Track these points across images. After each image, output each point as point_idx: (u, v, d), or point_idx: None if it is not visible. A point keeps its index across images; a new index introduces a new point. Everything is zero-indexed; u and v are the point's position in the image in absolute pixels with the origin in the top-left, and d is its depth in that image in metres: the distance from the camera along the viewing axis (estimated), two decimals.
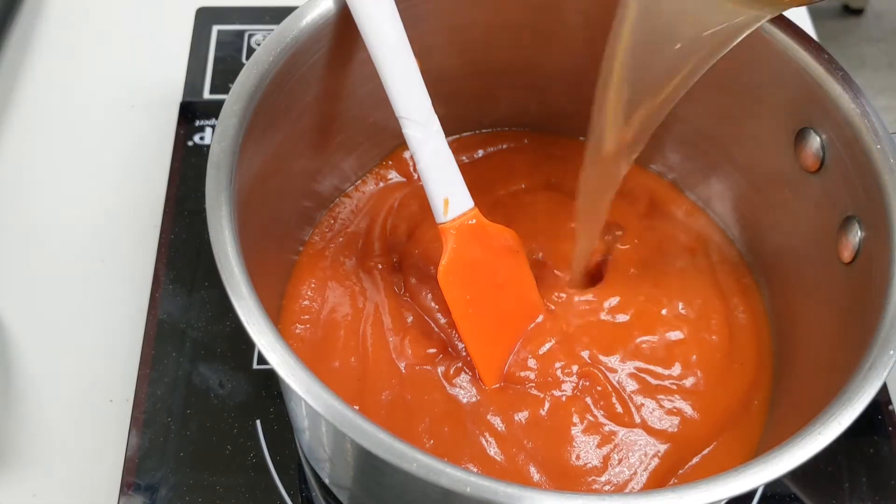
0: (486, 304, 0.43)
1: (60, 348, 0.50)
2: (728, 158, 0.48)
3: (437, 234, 0.42)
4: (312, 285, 0.46)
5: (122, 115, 0.60)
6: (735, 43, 0.38)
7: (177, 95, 0.59)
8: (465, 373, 0.43)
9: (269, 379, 0.48)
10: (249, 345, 0.45)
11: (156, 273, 0.51)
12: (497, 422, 0.41)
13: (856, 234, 0.39)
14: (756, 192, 0.48)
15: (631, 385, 0.43)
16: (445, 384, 0.43)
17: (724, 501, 0.32)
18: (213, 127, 0.57)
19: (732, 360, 0.45)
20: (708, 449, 0.42)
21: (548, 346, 0.44)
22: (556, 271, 0.47)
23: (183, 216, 0.53)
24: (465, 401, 0.42)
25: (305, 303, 0.45)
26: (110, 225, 0.55)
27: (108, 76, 0.62)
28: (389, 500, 0.38)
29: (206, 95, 0.59)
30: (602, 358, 0.44)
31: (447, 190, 0.42)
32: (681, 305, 0.46)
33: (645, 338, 0.45)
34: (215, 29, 0.62)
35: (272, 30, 0.39)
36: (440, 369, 0.43)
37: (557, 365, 0.43)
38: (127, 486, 0.44)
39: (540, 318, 0.45)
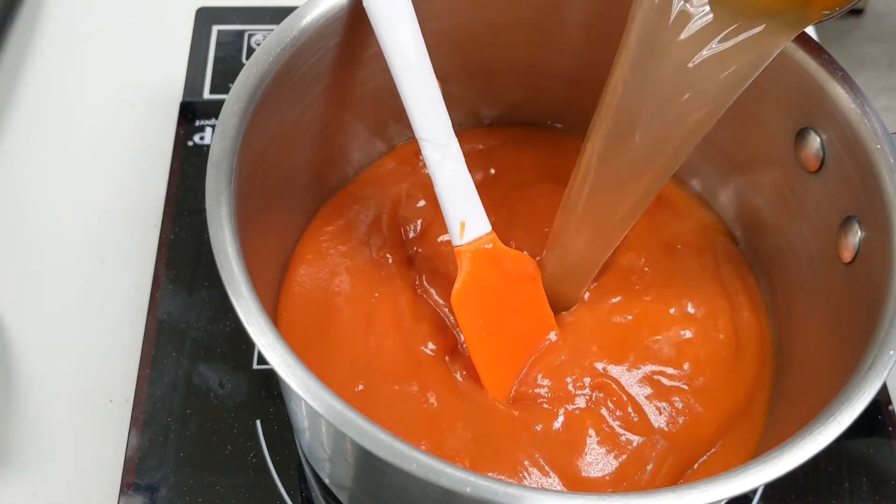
0: (498, 327, 0.43)
1: (60, 348, 0.50)
2: (728, 158, 0.48)
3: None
4: (315, 275, 0.46)
5: (122, 115, 0.60)
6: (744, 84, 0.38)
7: (177, 95, 0.59)
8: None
9: (269, 379, 0.48)
10: (249, 345, 0.45)
11: (156, 273, 0.51)
12: (512, 432, 0.41)
13: (856, 234, 0.39)
14: (756, 192, 0.48)
15: (644, 390, 0.43)
16: (457, 379, 0.43)
17: (724, 501, 0.32)
18: (213, 127, 0.57)
19: (739, 359, 0.45)
20: (714, 448, 0.42)
21: (558, 360, 0.43)
22: None
23: (183, 216, 0.53)
24: (475, 406, 0.42)
25: (303, 290, 0.45)
26: (110, 225, 0.55)
27: (107, 76, 0.62)
28: (389, 500, 0.38)
29: (206, 95, 0.59)
30: (614, 366, 0.44)
31: (464, 213, 0.42)
32: (688, 305, 0.46)
33: (654, 339, 0.45)
34: (215, 29, 0.62)
35: (272, 30, 0.39)
36: (453, 369, 0.43)
37: (569, 379, 0.43)
38: (127, 486, 0.44)
39: (553, 337, 0.44)
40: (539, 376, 0.43)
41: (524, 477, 0.40)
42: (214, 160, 0.35)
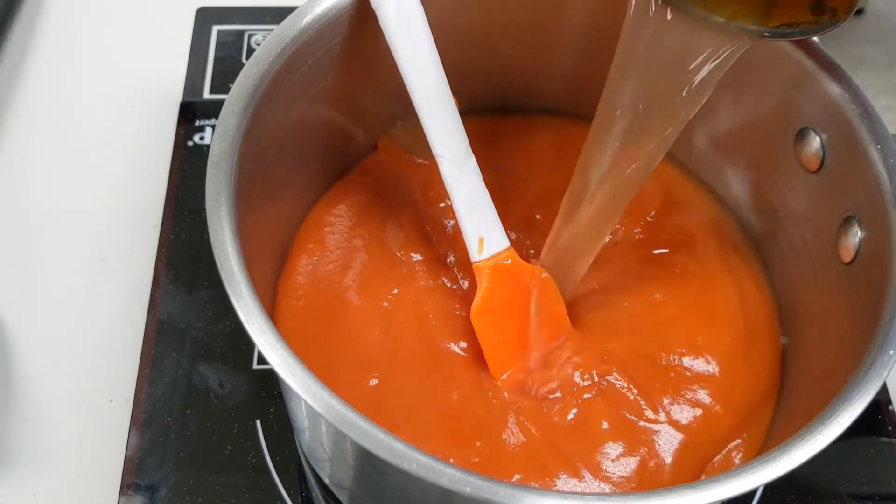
0: (516, 338, 0.43)
1: (60, 348, 0.50)
2: (728, 158, 0.48)
3: None
4: (318, 266, 0.46)
5: (122, 115, 0.60)
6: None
7: (177, 95, 0.59)
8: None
9: (269, 379, 0.48)
10: (249, 345, 0.45)
11: (156, 273, 0.51)
12: (525, 426, 0.41)
13: (856, 234, 0.39)
14: (756, 192, 0.48)
15: (654, 382, 0.43)
16: (481, 377, 0.43)
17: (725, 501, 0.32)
18: (213, 127, 0.57)
19: (750, 351, 0.45)
20: (734, 442, 0.42)
21: (572, 356, 0.43)
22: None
23: (183, 216, 0.53)
24: (488, 398, 0.42)
25: (305, 280, 0.45)
26: (110, 225, 0.55)
27: (107, 76, 0.62)
28: (390, 500, 0.38)
29: (206, 95, 0.59)
30: (625, 359, 0.43)
31: (482, 229, 0.42)
32: (698, 297, 0.46)
33: (666, 332, 0.45)
34: (215, 29, 0.62)
35: (272, 30, 0.39)
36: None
37: (582, 373, 0.43)
38: (127, 486, 0.44)
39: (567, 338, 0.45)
40: (552, 369, 0.43)
41: (546, 473, 0.40)
42: (214, 160, 0.35)
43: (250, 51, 0.61)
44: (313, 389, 0.30)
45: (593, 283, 0.46)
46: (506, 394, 0.42)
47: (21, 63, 0.62)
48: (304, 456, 0.45)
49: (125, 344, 0.50)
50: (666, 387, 0.43)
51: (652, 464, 0.41)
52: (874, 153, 0.38)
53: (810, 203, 0.43)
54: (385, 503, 0.38)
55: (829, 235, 0.41)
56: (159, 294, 0.50)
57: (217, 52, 0.61)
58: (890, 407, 0.48)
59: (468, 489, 0.29)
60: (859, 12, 1.31)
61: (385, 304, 0.44)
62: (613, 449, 0.41)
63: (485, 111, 0.51)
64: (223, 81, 0.60)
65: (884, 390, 0.49)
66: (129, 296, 0.51)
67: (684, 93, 0.39)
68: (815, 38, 0.41)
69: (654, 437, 0.41)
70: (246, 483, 0.45)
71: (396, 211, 0.48)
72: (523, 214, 0.48)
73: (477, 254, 0.42)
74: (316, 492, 0.45)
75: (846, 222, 0.40)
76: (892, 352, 0.34)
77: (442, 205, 0.48)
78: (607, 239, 0.46)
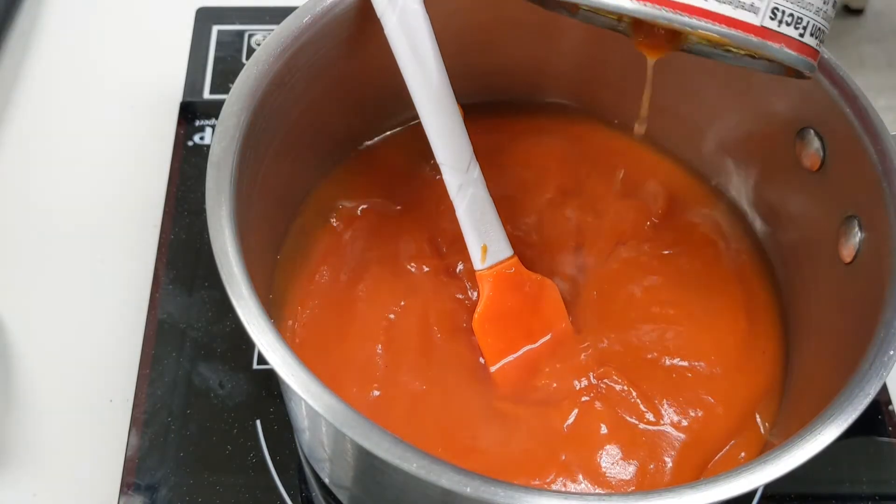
0: (517, 344, 0.43)
1: (60, 348, 0.50)
2: (729, 159, 0.48)
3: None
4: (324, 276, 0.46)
5: (122, 115, 0.60)
6: None
7: (177, 95, 0.59)
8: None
9: (269, 379, 0.48)
10: (249, 345, 0.45)
11: (156, 273, 0.51)
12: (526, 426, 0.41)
13: (856, 234, 0.39)
14: (757, 193, 0.48)
15: (654, 384, 0.43)
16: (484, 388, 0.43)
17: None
18: (213, 127, 0.57)
19: (751, 351, 0.44)
20: (733, 441, 0.42)
21: (566, 357, 0.43)
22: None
23: (183, 216, 0.53)
24: (489, 409, 0.42)
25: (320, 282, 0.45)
26: (110, 225, 0.55)
27: (108, 76, 0.62)
28: (390, 501, 0.38)
29: (206, 95, 0.59)
30: (627, 360, 0.43)
31: (485, 237, 0.42)
32: (698, 296, 0.46)
33: (667, 331, 0.45)
34: (215, 29, 0.62)
35: (272, 30, 0.39)
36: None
37: (582, 376, 0.43)
38: (127, 486, 0.44)
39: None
40: (551, 374, 0.43)
41: (551, 479, 0.40)
42: (214, 160, 0.35)
43: (250, 51, 0.61)
44: (313, 389, 0.30)
45: (595, 284, 0.46)
46: (507, 402, 0.42)
47: (21, 63, 0.62)
48: (304, 456, 0.45)
49: (125, 344, 0.50)
50: (667, 388, 0.43)
51: (652, 467, 0.41)
52: (874, 153, 0.38)
53: (810, 203, 0.43)
54: (385, 503, 0.38)
55: (830, 235, 0.41)
56: (159, 294, 0.50)
57: (217, 52, 0.61)
58: (890, 407, 0.48)
59: (468, 489, 0.29)
60: (859, 12, 1.30)
61: (391, 315, 0.44)
62: (613, 453, 0.41)
63: (487, 110, 0.51)
64: (223, 81, 0.60)
65: (884, 390, 0.49)
66: (129, 296, 0.51)
67: None
68: None
69: (654, 439, 0.41)
70: (246, 483, 0.45)
71: (403, 215, 0.48)
72: (529, 222, 0.48)
73: (480, 262, 0.42)
74: (316, 492, 0.45)
75: (846, 222, 0.40)
76: (892, 352, 0.34)
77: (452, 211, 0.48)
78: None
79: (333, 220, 0.47)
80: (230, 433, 0.46)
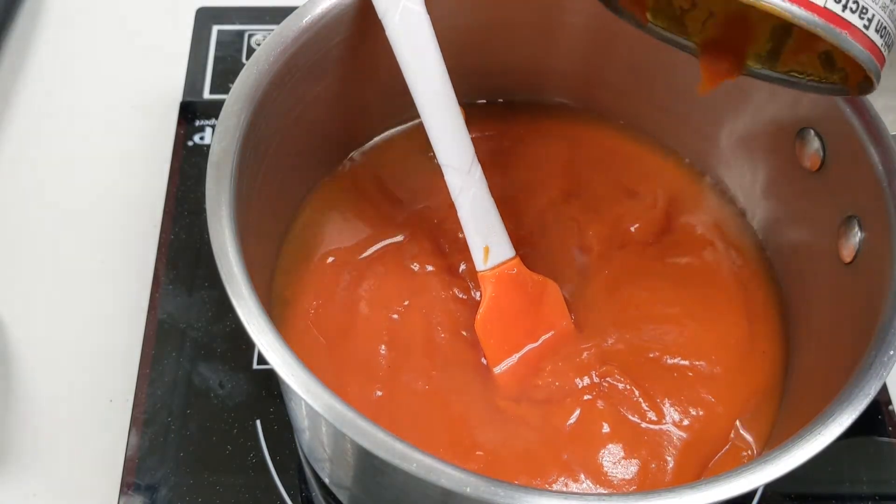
0: (520, 344, 0.43)
1: (60, 348, 0.50)
2: (730, 159, 0.48)
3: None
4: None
5: (122, 115, 0.60)
6: None
7: (177, 95, 0.59)
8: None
9: (269, 379, 0.48)
10: (249, 345, 0.45)
11: (156, 273, 0.51)
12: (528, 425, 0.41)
13: (856, 234, 0.39)
14: (756, 193, 0.48)
15: (656, 383, 0.43)
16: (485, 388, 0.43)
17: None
18: (213, 127, 0.57)
19: (752, 351, 0.44)
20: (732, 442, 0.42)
21: (572, 357, 0.43)
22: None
23: (183, 216, 0.53)
24: (492, 409, 0.42)
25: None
26: (110, 225, 0.55)
27: (107, 76, 0.62)
28: (390, 501, 0.38)
29: (206, 95, 0.59)
30: (627, 359, 0.43)
31: (487, 238, 0.42)
32: (699, 296, 0.46)
33: (667, 331, 0.45)
34: (215, 29, 0.62)
35: (272, 30, 0.39)
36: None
37: (584, 375, 0.43)
38: (127, 486, 0.44)
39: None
40: (554, 372, 0.43)
41: (553, 479, 0.40)
42: (214, 160, 0.35)
43: (250, 51, 0.61)
44: (313, 389, 0.30)
45: (596, 284, 0.46)
46: (509, 401, 0.42)
47: (21, 63, 0.62)
48: (304, 456, 0.45)
49: (125, 344, 0.50)
50: (668, 388, 0.43)
51: (653, 466, 0.41)
52: (874, 153, 0.38)
53: (810, 203, 0.43)
54: (385, 503, 0.38)
55: (830, 235, 0.41)
56: (159, 294, 0.50)
57: (217, 52, 0.61)
58: (890, 407, 0.48)
59: (468, 489, 0.29)
60: None
61: (394, 315, 0.44)
62: (615, 452, 0.41)
63: (489, 112, 0.51)
64: (223, 81, 0.60)
65: (884, 390, 0.49)
66: (129, 296, 0.51)
67: None
68: None
69: (656, 438, 0.41)
70: (246, 483, 0.45)
71: (404, 214, 0.48)
72: (531, 223, 0.48)
73: (482, 263, 0.42)
74: (316, 492, 0.45)
75: (846, 222, 0.40)
76: (892, 352, 0.34)
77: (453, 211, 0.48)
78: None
79: (334, 220, 0.47)
80: (230, 433, 0.46)
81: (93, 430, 0.47)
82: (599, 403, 0.42)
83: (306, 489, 0.45)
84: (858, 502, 0.45)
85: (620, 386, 0.42)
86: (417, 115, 0.40)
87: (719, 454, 0.42)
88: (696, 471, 0.41)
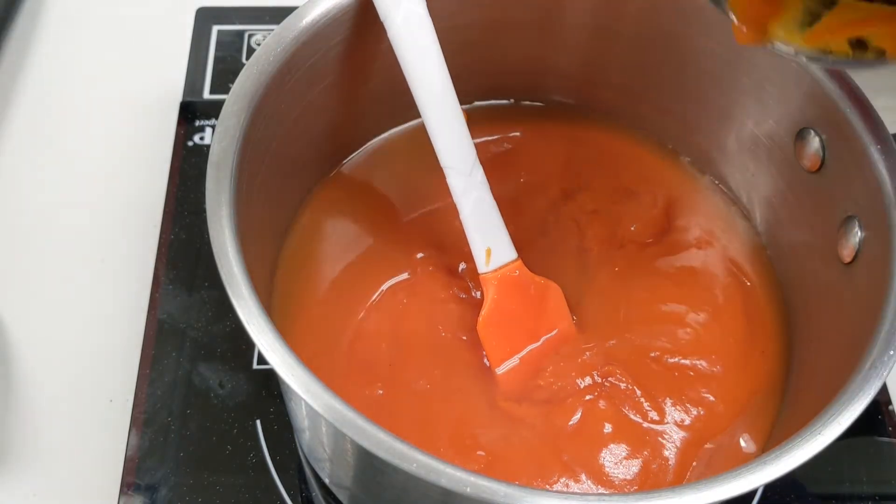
0: (521, 346, 0.43)
1: (60, 348, 0.50)
2: (729, 159, 0.48)
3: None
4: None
5: (123, 115, 0.60)
6: None
7: (177, 95, 0.59)
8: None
9: (269, 379, 0.48)
10: (249, 345, 0.45)
11: (156, 273, 0.51)
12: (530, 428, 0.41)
13: (856, 234, 0.39)
14: (756, 192, 0.48)
15: (657, 382, 0.43)
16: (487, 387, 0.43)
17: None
18: (213, 127, 0.57)
19: (753, 351, 0.44)
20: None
21: (569, 357, 0.43)
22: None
23: (183, 216, 0.53)
24: (493, 409, 0.42)
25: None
26: (110, 225, 0.55)
27: (108, 76, 0.62)
28: (390, 501, 0.38)
29: (206, 95, 0.59)
30: (627, 358, 0.43)
31: (489, 240, 0.42)
32: (699, 296, 0.46)
33: (667, 329, 0.45)
34: (215, 29, 0.62)
35: (272, 30, 0.39)
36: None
37: (581, 373, 0.43)
38: (127, 486, 0.44)
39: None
40: (555, 373, 0.43)
41: (555, 479, 0.40)
42: (214, 160, 0.35)
43: (250, 51, 0.61)
44: (313, 389, 0.30)
45: (596, 284, 0.46)
46: (510, 402, 0.42)
47: (21, 63, 0.62)
48: (304, 456, 0.45)
49: (125, 344, 0.50)
50: (669, 387, 0.43)
51: (655, 466, 0.41)
52: (874, 153, 0.38)
53: (810, 203, 0.43)
54: (385, 503, 0.38)
55: (830, 235, 0.41)
56: (159, 294, 0.50)
57: (217, 52, 0.61)
58: (890, 407, 0.48)
59: (468, 489, 0.29)
60: None
61: (395, 315, 0.44)
62: (616, 452, 0.41)
63: (489, 114, 0.51)
64: (223, 81, 0.60)
65: (884, 390, 0.49)
66: (129, 296, 0.51)
67: None
68: None
69: (658, 438, 0.41)
70: (246, 483, 0.45)
71: (405, 214, 0.48)
72: (532, 224, 0.48)
73: (484, 265, 0.42)
74: (316, 492, 0.45)
75: (846, 222, 0.40)
76: (892, 352, 0.34)
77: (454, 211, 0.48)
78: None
79: (334, 220, 0.47)
80: (230, 433, 0.46)
81: (93, 430, 0.47)
82: (601, 403, 0.42)
83: (306, 489, 0.45)
84: (858, 502, 0.45)
85: (622, 386, 0.42)
86: (418, 116, 0.40)
87: (720, 455, 0.42)
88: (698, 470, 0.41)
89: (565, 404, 0.42)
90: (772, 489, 0.46)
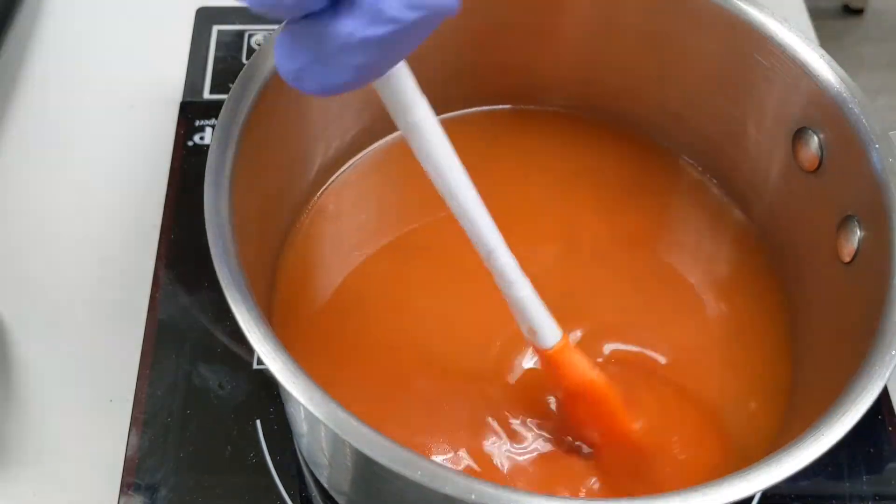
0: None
1: (60, 348, 0.50)
2: (728, 158, 0.48)
3: None
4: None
5: (122, 115, 0.60)
6: None
7: (177, 95, 0.59)
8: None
9: (269, 379, 0.47)
10: (250, 346, 0.45)
11: (156, 273, 0.51)
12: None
13: (855, 234, 0.39)
14: (756, 192, 0.48)
15: (656, 384, 0.43)
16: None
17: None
18: (213, 127, 0.57)
19: (753, 351, 0.45)
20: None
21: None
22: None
23: (183, 216, 0.53)
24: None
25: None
26: (110, 225, 0.55)
27: (107, 76, 0.62)
28: None
29: (206, 95, 0.59)
30: (623, 358, 0.43)
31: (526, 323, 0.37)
32: (699, 297, 0.46)
33: (666, 332, 0.45)
34: (215, 29, 0.62)
35: (272, 30, 0.39)
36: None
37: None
38: (127, 486, 0.44)
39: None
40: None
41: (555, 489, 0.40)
42: (214, 160, 0.35)
43: (250, 51, 0.61)
44: (315, 397, 0.30)
45: (597, 284, 0.46)
46: (517, 413, 0.42)
47: (21, 63, 0.62)
48: (304, 460, 0.45)
49: (125, 344, 0.49)
50: (669, 388, 0.43)
51: (658, 468, 0.41)
52: (873, 153, 0.38)
53: (810, 203, 0.43)
54: None
55: (829, 235, 0.41)
56: (159, 294, 0.50)
57: (217, 52, 0.61)
58: (890, 407, 0.48)
59: (472, 496, 0.28)
60: (859, 12, 1.30)
61: (397, 320, 0.44)
62: (616, 452, 0.41)
63: (490, 116, 0.51)
64: (223, 81, 0.60)
65: (883, 390, 0.49)
66: (129, 296, 0.51)
67: None
68: (813, 37, 0.41)
69: (659, 439, 0.41)
70: (246, 483, 0.45)
71: (407, 218, 0.48)
72: (531, 224, 0.48)
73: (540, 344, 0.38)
74: (315, 493, 0.45)
75: (845, 222, 0.40)
76: (892, 352, 0.34)
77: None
78: None
79: (335, 222, 0.47)
80: (230, 433, 0.46)
81: (93, 430, 0.47)
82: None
83: (306, 490, 0.45)
84: (858, 502, 0.46)
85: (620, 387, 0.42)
86: None
87: (721, 455, 0.42)
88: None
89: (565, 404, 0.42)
90: (772, 489, 0.46)
